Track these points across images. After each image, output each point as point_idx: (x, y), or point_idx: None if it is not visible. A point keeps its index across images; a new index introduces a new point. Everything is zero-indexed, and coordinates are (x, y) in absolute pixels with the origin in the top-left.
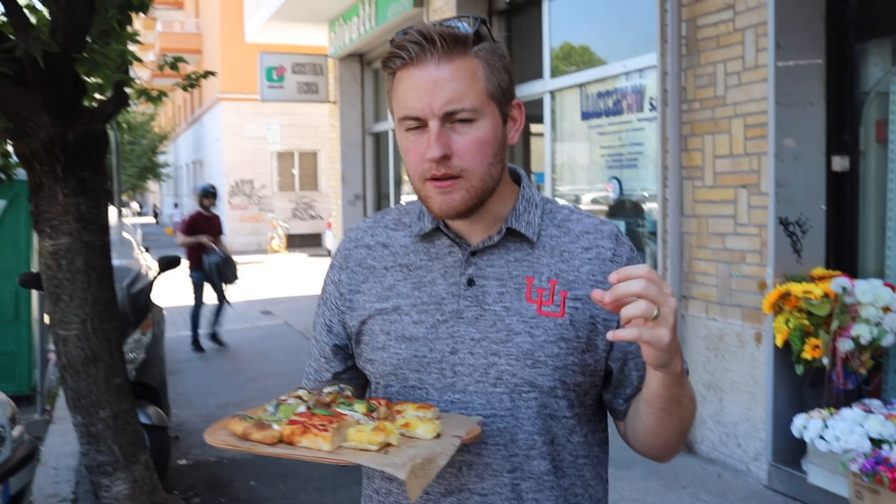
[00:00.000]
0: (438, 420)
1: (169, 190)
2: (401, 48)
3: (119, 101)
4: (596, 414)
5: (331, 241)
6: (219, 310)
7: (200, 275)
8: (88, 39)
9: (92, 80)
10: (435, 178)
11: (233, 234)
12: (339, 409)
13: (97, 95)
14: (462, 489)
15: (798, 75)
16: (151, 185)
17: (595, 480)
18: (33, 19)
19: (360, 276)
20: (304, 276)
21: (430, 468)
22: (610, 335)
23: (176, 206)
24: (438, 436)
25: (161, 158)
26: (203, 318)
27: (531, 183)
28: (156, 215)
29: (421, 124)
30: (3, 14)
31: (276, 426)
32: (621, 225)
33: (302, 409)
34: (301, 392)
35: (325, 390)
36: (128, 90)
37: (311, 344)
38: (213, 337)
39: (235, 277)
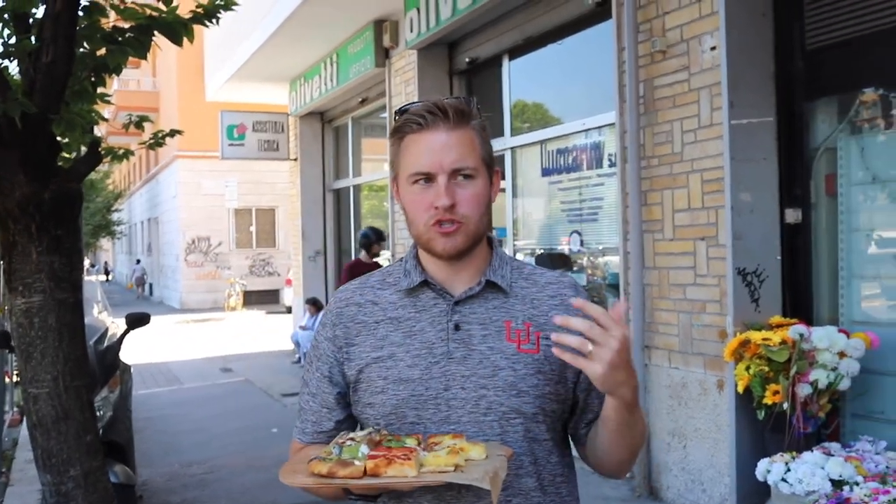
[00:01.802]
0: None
1: (122, 248)
2: (418, 115)
3: (93, 160)
4: (564, 440)
5: (289, 297)
6: None
7: None
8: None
9: (63, 140)
10: (439, 223)
11: (188, 292)
12: (390, 445)
13: (64, 154)
14: None
15: (751, 132)
16: (104, 242)
17: (570, 497)
18: None
19: (353, 331)
20: (262, 333)
21: (497, 479)
22: (554, 337)
23: (138, 262)
24: (487, 456)
25: (115, 216)
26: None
27: (500, 245)
28: (107, 273)
29: (429, 179)
30: None
31: (357, 462)
32: (582, 277)
33: (364, 448)
34: (352, 435)
35: (363, 433)
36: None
37: (303, 401)
38: None
39: None
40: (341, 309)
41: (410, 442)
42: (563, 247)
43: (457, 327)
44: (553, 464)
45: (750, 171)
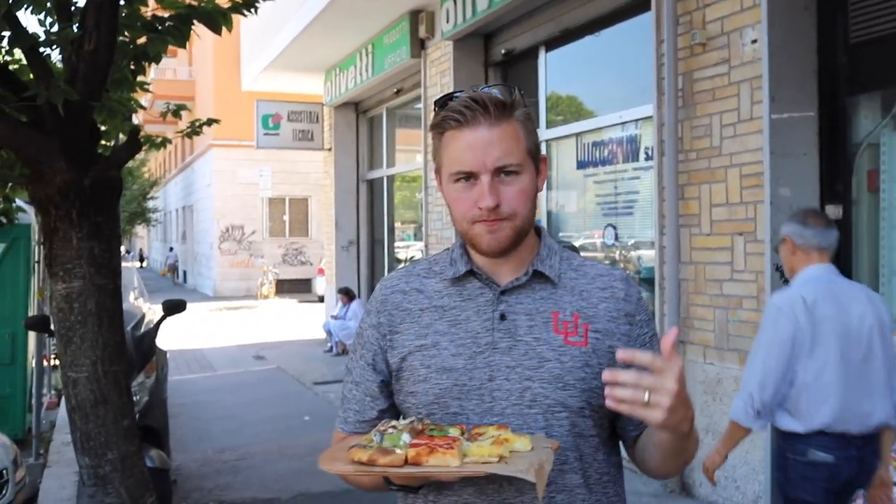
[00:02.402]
0: (527, 436)
1: (157, 235)
2: (457, 112)
3: (133, 148)
4: (612, 439)
5: (322, 287)
6: None
7: None
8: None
9: (102, 128)
10: (485, 221)
11: (222, 279)
12: (433, 434)
13: (103, 142)
14: (504, 503)
15: (792, 127)
16: (139, 230)
17: (616, 498)
18: None
19: (397, 319)
20: (295, 322)
21: (543, 472)
22: (607, 392)
23: (171, 249)
24: (532, 448)
25: (151, 204)
26: None
27: (549, 235)
28: (142, 259)
29: (472, 177)
30: (26, 64)
31: (398, 451)
32: None
33: (406, 436)
34: (394, 423)
35: (405, 421)
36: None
37: (346, 390)
38: None
39: None
40: (386, 296)
41: (454, 432)
42: (575, 238)
43: (502, 317)
44: (600, 461)
45: (790, 167)
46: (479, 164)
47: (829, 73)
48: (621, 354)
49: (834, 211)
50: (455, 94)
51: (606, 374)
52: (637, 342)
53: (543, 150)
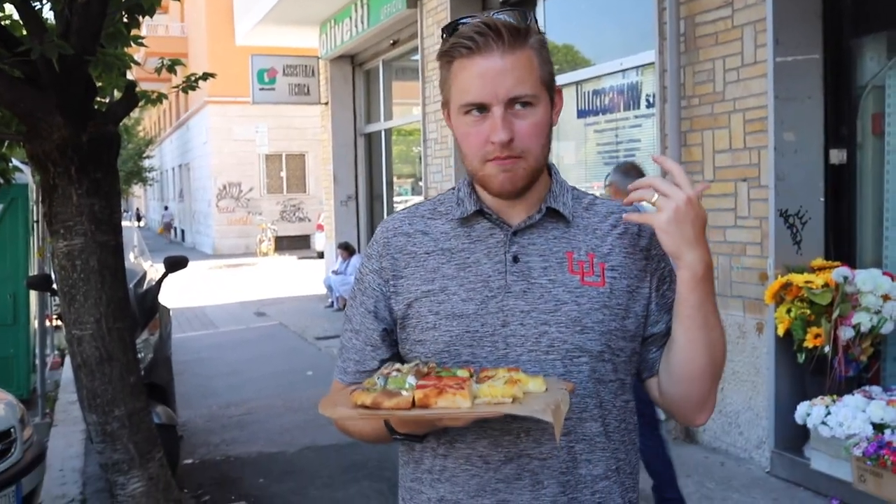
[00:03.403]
0: (540, 377)
1: (154, 194)
2: (467, 38)
3: (129, 103)
4: (631, 383)
5: (321, 242)
6: None
7: None
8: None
9: (97, 83)
10: (497, 158)
11: (221, 237)
12: (440, 375)
13: (98, 98)
14: (521, 455)
15: (796, 70)
16: (136, 189)
17: (632, 447)
18: None
19: (401, 262)
20: (295, 278)
21: (560, 412)
22: (626, 200)
23: (166, 208)
24: (546, 390)
25: (147, 163)
26: None
27: (559, 172)
28: (139, 219)
29: (483, 109)
30: (20, 19)
31: (404, 392)
32: None
33: (411, 378)
34: (398, 366)
35: (410, 364)
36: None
37: (345, 339)
38: None
39: None
40: (388, 239)
41: (462, 374)
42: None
43: (515, 259)
44: (618, 408)
45: (794, 111)
46: (491, 95)
47: (833, 14)
48: (656, 157)
49: (838, 155)
50: (462, 20)
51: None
52: (654, 277)
53: None
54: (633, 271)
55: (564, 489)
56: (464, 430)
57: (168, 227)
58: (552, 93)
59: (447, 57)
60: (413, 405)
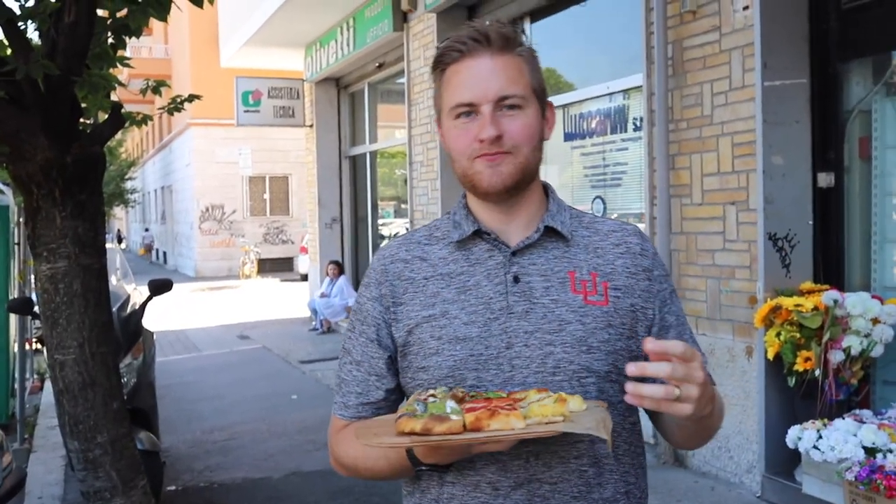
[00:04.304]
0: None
1: (136, 216)
2: (459, 43)
3: (115, 124)
4: (632, 406)
5: (304, 265)
6: None
7: None
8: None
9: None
10: (485, 155)
11: (203, 260)
12: (490, 398)
13: (82, 119)
14: (532, 480)
15: (784, 94)
16: (117, 211)
17: (641, 470)
18: None
19: (399, 289)
20: (278, 301)
21: (608, 427)
22: (629, 388)
23: (147, 230)
24: (586, 408)
25: (129, 185)
26: None
27: (556, 191)
28: (120, 241)
29: (473, 111)
30: (5, 38)
31: (454, 417)
32: None
33: (451, 403)
34: (432, 392)
35: (443, 389)
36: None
37: (344, 372)
38: None
39: None
40: (386, 266)
41: (500, 394)
42: None
43: (516, 279)
44: (627, 430)
45: (782, 134)
46: (480, 95)
47: (821, 39)
48: (651, 346)
49: (826, 179)
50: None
51: (632, 368)
52: (657, 298)
53: None
54: (636, 291)
55: None
56: (472, 456)
57: (149, 248)
58: (543, 103)
59: (441, 65)
60: (465, 429)
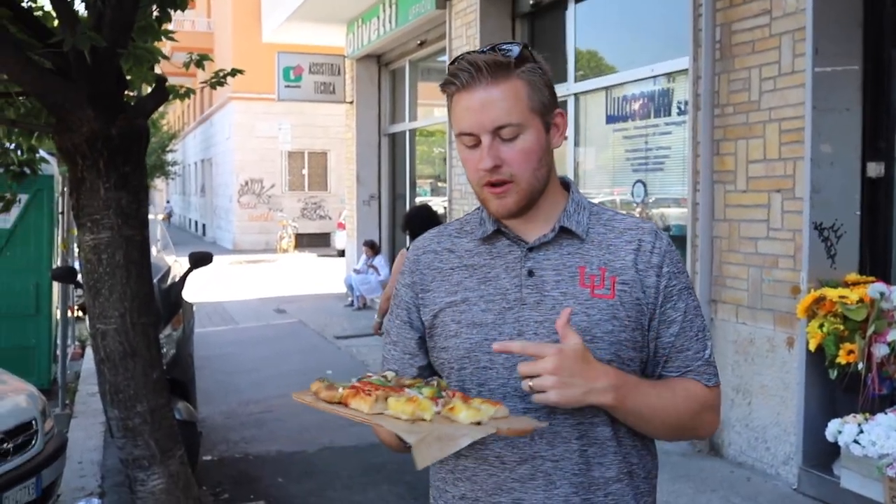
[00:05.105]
0: (495, 410)
1: (176, 188)
2: (454, 76)
3: (159, 97)
4: None
5: (341, 241)
6: None
7: None
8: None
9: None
10: (490, 185)
11: (241, 233)
12: (409, 390)
13: (126, 92)
14: (535, 456)
15: (835, 81)
16: (157, 182)
17: (645, 451)
18: None
19: (428, 277)
20: (315, 276)
21: (446, 445)
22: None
23: (168, 202)
24: (479, 423)
25: (170, 157)
26: None
27: (578, 190)
28: (169, 217)
29: (475, 139)
30: (52, 10)
31: (340, 389)
32: None
33: (425, 390)
34: (386, 374)
35: (432, 380)
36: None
37: (385, 351)
38: None
39: None
40: (418, 256)
41: (427, 391)
42: (602, 195)
43: (530, 273)
44: None
45: (832, 122)
46: (478, 126)
47: (874, 24)
48: (496, 346)
49: (875, 168)
50: (459, 58)
51: (497, 345)
52: (664, 294)
53: (571, 105)
54: (643, 286)
55: (577, 490)
56: None
57: (168, 217)
58: (546, 119)
59: (446, 91)
60: (339, 402)
